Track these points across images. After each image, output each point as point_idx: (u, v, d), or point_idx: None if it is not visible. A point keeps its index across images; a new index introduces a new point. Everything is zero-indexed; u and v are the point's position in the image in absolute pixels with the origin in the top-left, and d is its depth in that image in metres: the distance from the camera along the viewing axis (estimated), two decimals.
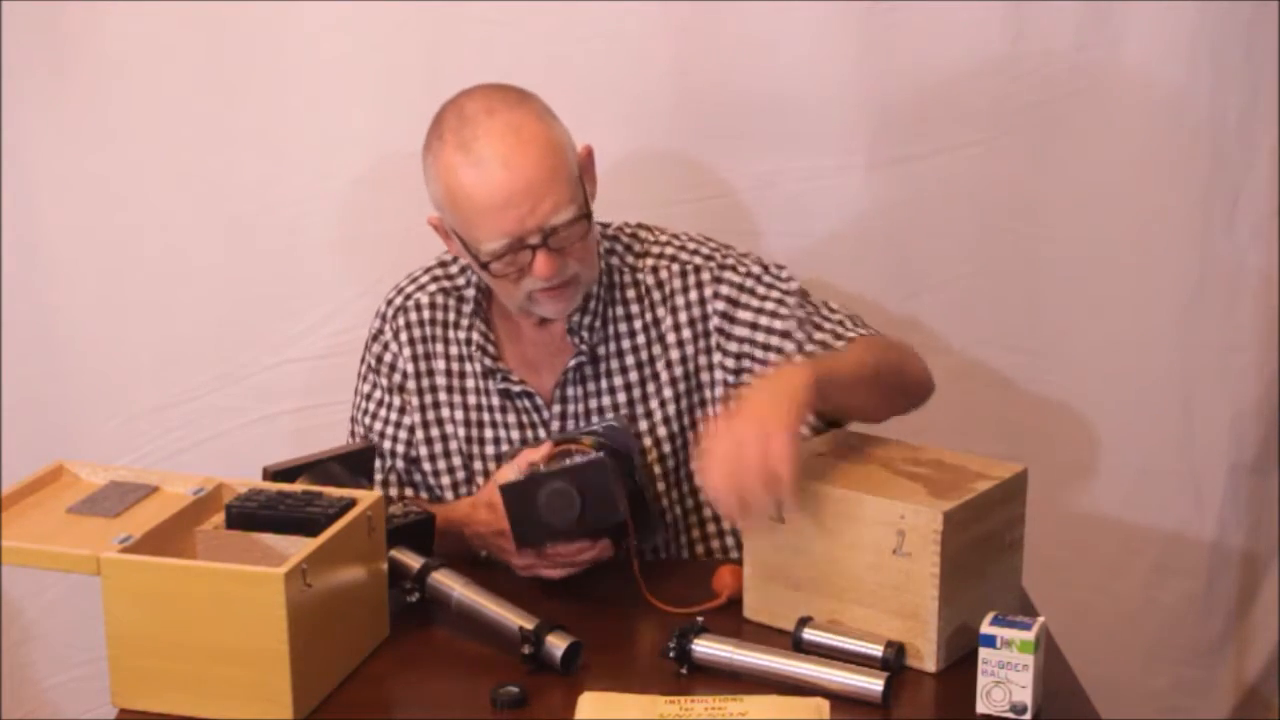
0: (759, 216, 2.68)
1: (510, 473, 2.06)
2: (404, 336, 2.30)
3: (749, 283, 2.25)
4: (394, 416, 2.30)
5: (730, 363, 2.25)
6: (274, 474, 2.00)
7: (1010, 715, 1.78)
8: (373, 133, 2.64)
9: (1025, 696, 1.77)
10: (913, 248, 2.72)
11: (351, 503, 1.90)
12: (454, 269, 2.33)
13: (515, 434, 2.27)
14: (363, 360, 2.36)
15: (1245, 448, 2.80)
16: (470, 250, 2.15)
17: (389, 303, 2.34)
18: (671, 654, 1.87)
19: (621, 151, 2.64)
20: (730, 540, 2.33)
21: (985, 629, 1.78)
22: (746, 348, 2.24)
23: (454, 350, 2.29)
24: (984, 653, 1.78)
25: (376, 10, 2.58)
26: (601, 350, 2.26)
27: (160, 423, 2.72)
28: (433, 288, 2.32)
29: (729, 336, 2.25)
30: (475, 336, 2.27)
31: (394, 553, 2.00)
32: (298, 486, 1.96)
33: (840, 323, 2.24)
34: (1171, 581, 2.85)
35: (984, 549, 1.93)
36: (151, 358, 2.71)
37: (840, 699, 1.80)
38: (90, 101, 2.61)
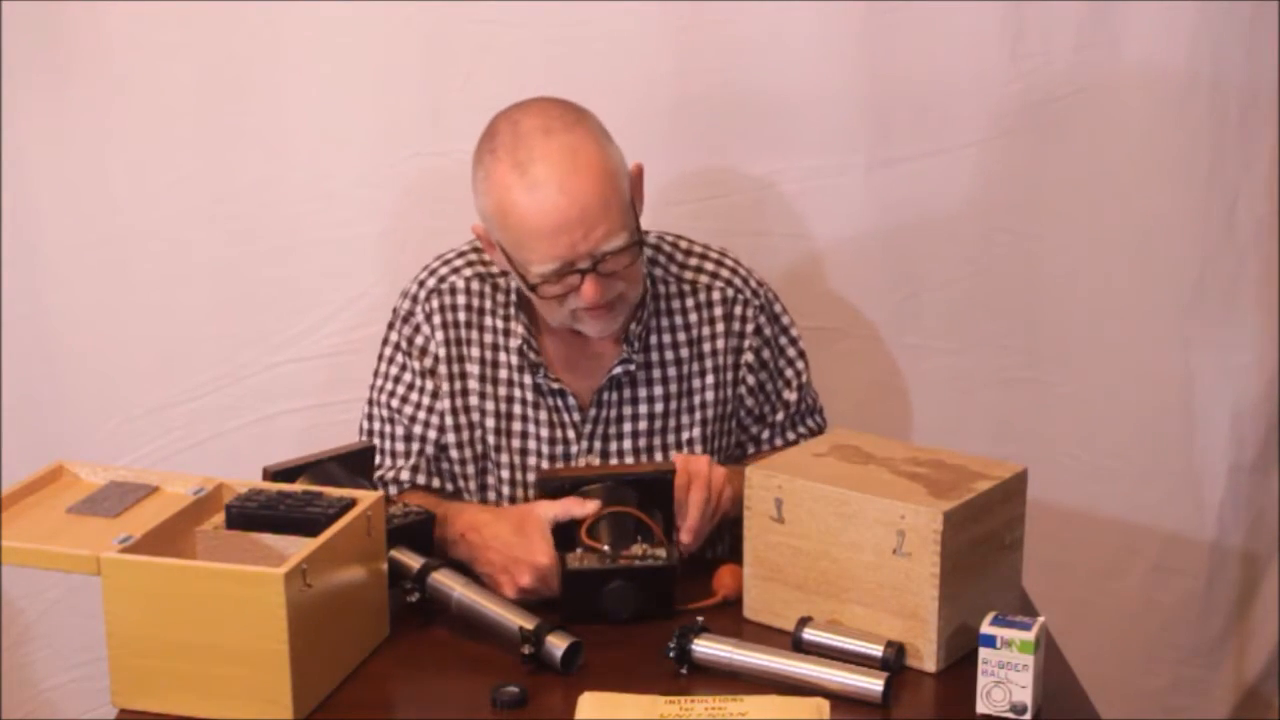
0: (759, 216, 2.68)
1: (551, 513, 2.05)
2: (437, 319, 2.27)
3: (783, 340, 2.35)
4: (426, 400, 2.27)
5: (749, 400, 2.33)
6: (274, 474, 2.00)
7: (1010, 715, 1.78)
8: (372, 133, 2.64)
9: (1025, 696, 1.77)
10: (913, 248, 2.72)
11: (351, 503, 1.90)
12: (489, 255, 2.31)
13: (545, 431, 2.26)
14: (386, 341, 2.32)
15: (1245, 448, 2.80)
16: (517, 269, 2.13)
17: (420, 284, 2.29)
18: (671, 654, 1.87)
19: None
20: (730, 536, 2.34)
21: (985, 629, 1.78)
22: (760, 398, 2.34)
23: (488, 338, 2.27)
24: (984, 653, 1.78)
25: (376, 10, 2.58)
26: (642, 359, 2.27)
27: (160, 423, 2.72)
28: (468, 272, 2.28)
29: (752, 371, 2.32)
30: (518, 330, 2.24)
31: (394, 553, 2.00)
32: (298, 486, 1.96)
33: (800, 418, 2.38)
34: (1171, 581, 2.85)
35: (984, 549, 1.93)
36: (151, 358, 2.71)
37: (840, 699, 1.80)
38: (90, 102, 2.61)
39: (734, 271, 2.33)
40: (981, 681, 1.79)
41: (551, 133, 2.09)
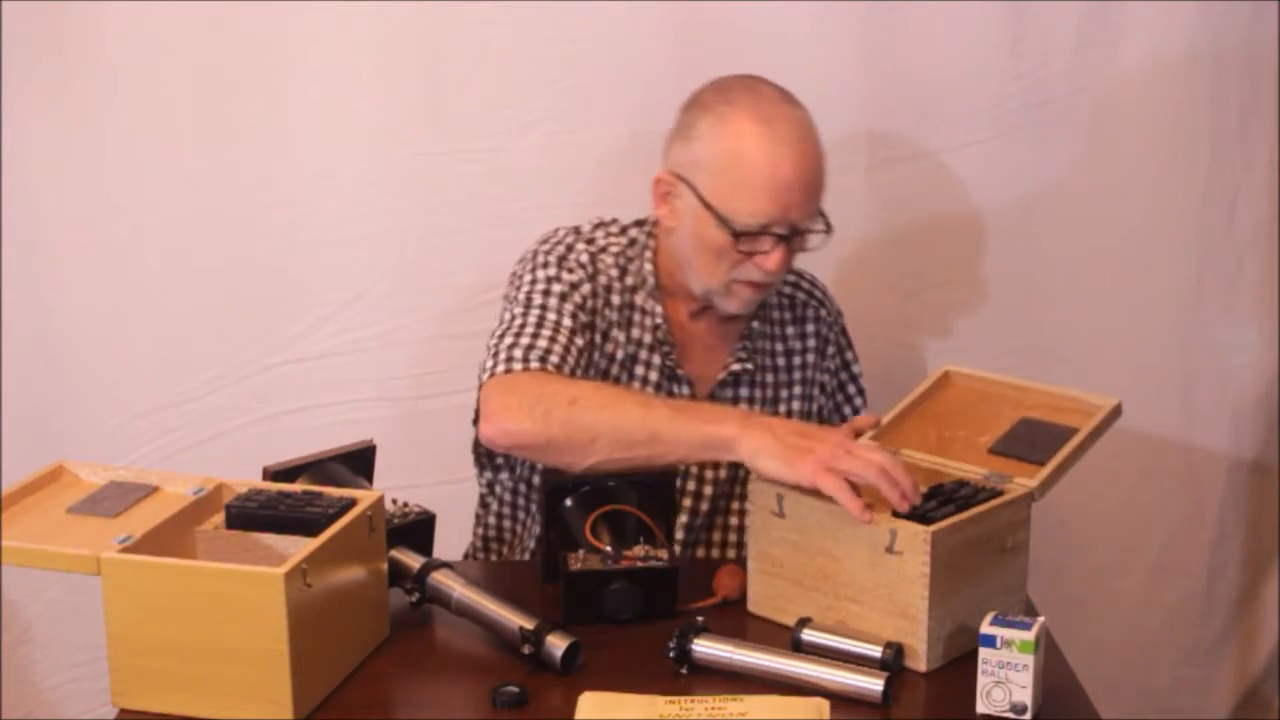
0: None
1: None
2: (603, 297, 2.23)
3: (843, 376, 2.44)
4: (578, 341, 2.16)
5: (829, 383, 2.41)
6: (274, 474, 2.00)
7: (1010, 715, 1.78)
8: (372, 133, 2.64)
9: (1025, 696, 1.77)
10: (913, 248, 2.72)
11: (351, 503, 1.90)
12: (614, 229, 2.30)
13: None
14: (536, 277, 2.20)
15: (1245, 448, 2.80)
16: (720, 216, 2.13)
17: (569, 247, 2.23)
18: (671, 654, 1.87)
19: (622, 151, 2.64)
20: (734, 538, 2.34)
21: (985, 629, 1.78)
22: (836, 399, 2.42)
23: (633, 315, 2.25)
24: (984, 653, 1.78)
25: (376, 10, 2.58)
26: (753, 363, 2.31)
27: (160, 423, 2.72)
28: (614, 249, 2.27)
29: (824, 391, 2.40)
30: (657, 310, 2.24)
31: (394, 553, 2.00)
32: (298, 486, 1.96)
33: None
34: (1171, 581, 2.85)
35: (981, 551, 1.92)
36: (151, 358, 2.71)
37: (840, 699, 1.80)
38: (90, 103, 2.61)
39: (825, 295, 2.41)
40: (981, 681, 1.79)
41: (789, 104, 2.18)
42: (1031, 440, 2.07)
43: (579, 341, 2.16)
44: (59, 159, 2.63)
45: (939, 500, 1.93)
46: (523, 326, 2.15)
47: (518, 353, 2.11)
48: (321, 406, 2.70)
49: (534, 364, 2.09)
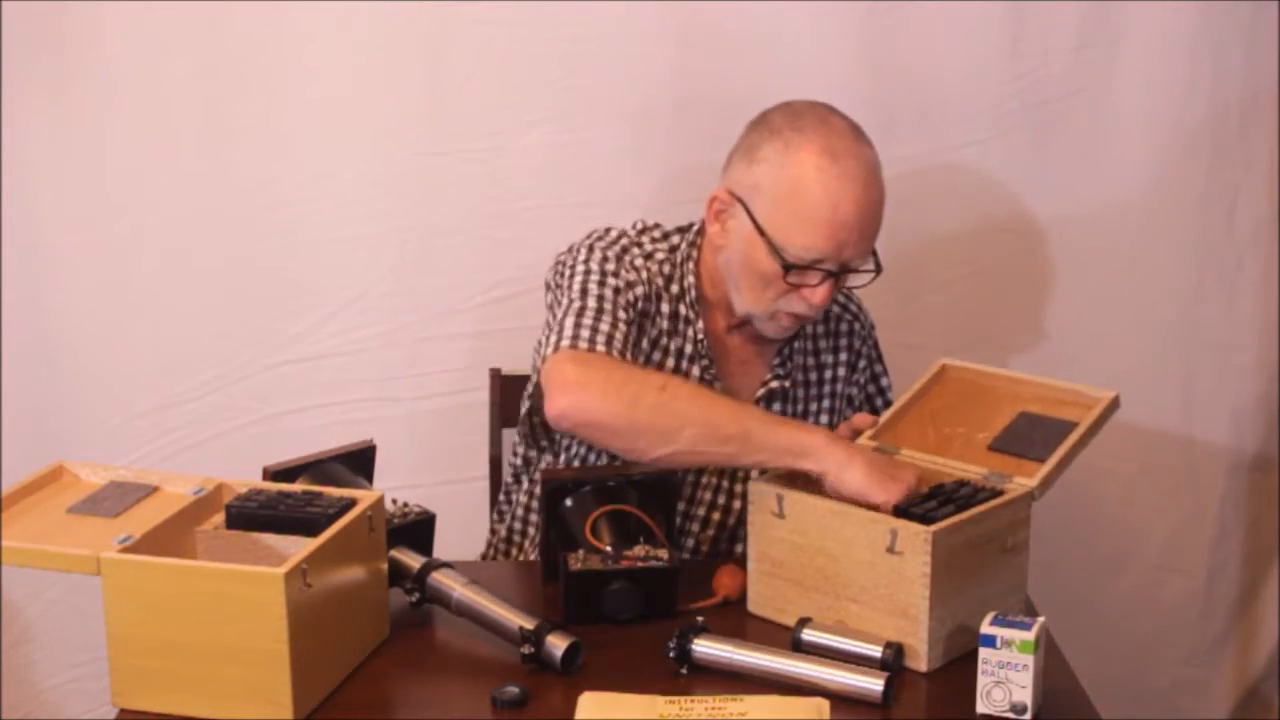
0: None
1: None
2: (655, 304, 2.21)
3: (872, 389, 2.42)
4: (633, 335, 2.13)
5: (857, 397, 2.40)
6: (274, 474, 2.00)
7: (1010, 715, 1.78)
8: (372, 134, 2.64)
9: (1025, 696, 1.77)
10: (913, 248, 2.72)
11: (351, 503, 1.90)
12: (657, 234, 2.28)
13: None
14: (591, 269, 2.16)
15: (1245, 446, 2.80)
16: (772, 244, 2.11)
17: (624, 250, 2.20)
18: (671, 654, 1.87)
19: (621, 151, 2.64)
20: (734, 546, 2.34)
21: (985, 629, 1.78)
22: (867, 396, 2.41)
23: (676, 325, 2.23)
24: (984, 653, 1.78)
25: (376, 10, 2.58)
26: (790, 379, 2.30)
27: (160, 423, 2.72)
28: (659, 255, 2.24)
29: (850, 405, 2.38)
30: (699, 323, 2.22)
31: (394, 553, 2.00)
32: (298, 486, 1.96)
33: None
34: (1171, 580, 2.85)
35: (981, 551, 1.93)
36: (151, 358, 2.71)
37: (840, 699, 1.80)
38: (90, 102, 2.61)
39: (860, 308, 2.39)
40: (981, 681, 1.79)
41: (859, 141, 2.13)
42: (1031, 436, 2.07)
43: (633, 335, 2.14)
44: (59, 159, 2.63)
45: (939, 500, 1.93)
46: (583, 310, 2.11)
47: (584, 333, 2.07)
48: (321, 406, 2.70)
49: (600, 348, 2.07)
